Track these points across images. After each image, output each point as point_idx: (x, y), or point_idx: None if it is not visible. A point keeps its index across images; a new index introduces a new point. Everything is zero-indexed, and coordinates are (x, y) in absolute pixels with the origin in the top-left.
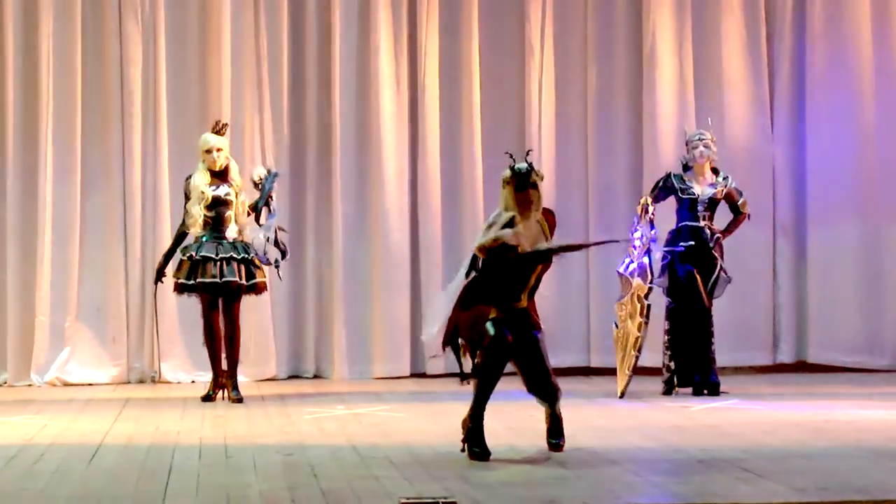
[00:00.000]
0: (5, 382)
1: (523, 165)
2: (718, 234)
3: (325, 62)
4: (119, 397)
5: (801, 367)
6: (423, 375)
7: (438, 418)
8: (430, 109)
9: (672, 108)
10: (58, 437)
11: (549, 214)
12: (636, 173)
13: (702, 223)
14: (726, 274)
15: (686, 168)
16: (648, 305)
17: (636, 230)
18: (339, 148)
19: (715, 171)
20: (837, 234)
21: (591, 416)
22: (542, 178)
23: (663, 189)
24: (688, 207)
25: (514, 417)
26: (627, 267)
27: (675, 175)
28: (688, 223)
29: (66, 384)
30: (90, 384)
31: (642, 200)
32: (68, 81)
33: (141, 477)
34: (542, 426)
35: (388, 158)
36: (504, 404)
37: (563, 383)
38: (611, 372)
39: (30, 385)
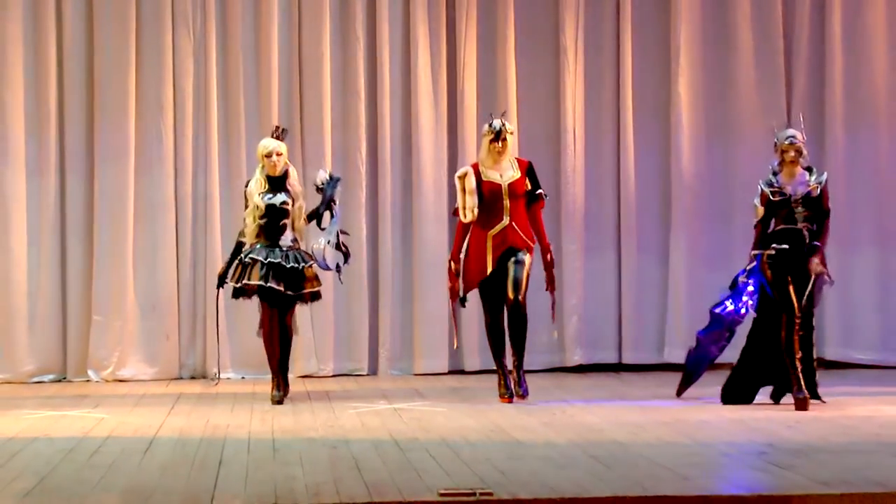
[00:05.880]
0: (64, 378)
1: (497, 122)
2: (817, 243)
3: (369, 71)
4: (171, 392)
5: (818, 364)
6: (461, 372)
7: (476, 413)
8: (468, 117)
9: (699, 114)
10: (114, 430)
11: (521, 160)
12: (665, 176)
13: (799, 224)
14: (829, 277)
15: (775, 173)
16: (732, 332)
17: (750, 278)
18: (383, 156)
19: (808, 170)
20: (853, 234)
21: (622, 412)
22: (512, 133)
23: (766, 207)
24: (780, 208)
25: (547, 413)
26: (724, 308)
27: (764, 182)
28: (783, 226)
29: (121, 380)
30: (144, 380)
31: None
32: (122, 92)
33: (192, 469)
34: (576, 421)
35: (428, 165)
36: (538, 402)
37: (596, 379)
38: (641, 369)
39: (87, 381)
